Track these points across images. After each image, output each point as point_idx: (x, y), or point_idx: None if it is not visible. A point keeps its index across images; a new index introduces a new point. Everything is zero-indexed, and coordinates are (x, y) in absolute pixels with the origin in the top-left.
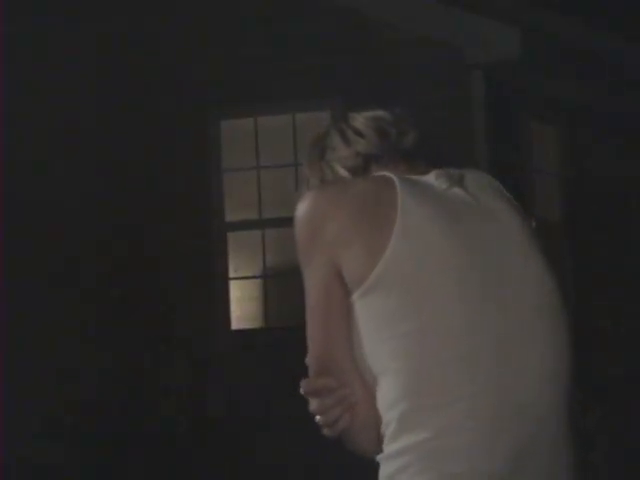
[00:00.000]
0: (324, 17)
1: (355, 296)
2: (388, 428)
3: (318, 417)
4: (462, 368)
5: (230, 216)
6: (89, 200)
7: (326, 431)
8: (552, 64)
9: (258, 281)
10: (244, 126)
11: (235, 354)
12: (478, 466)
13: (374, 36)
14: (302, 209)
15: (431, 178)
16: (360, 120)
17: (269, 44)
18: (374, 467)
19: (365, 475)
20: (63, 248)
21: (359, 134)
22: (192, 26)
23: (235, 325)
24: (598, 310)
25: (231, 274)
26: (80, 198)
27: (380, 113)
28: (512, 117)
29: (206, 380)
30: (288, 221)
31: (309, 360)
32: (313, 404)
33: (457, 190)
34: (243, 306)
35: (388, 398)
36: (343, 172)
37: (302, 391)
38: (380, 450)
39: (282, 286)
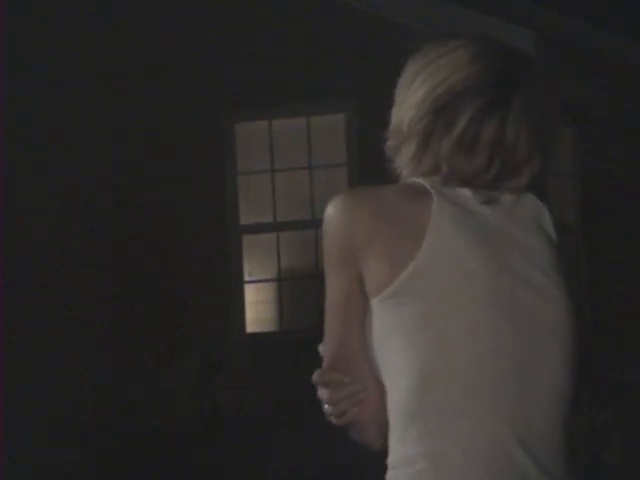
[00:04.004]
0: (343, 20)
1: (374, 301)
2: (396, 430)
3: (326, 406)
4: (477, 381)
5: (245, 219)
6: (105, 203)
7: (332, 420)
8: (566, 66)
9: (273, 284)
10: (258, 129)
11: (249, 357)
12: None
13: (392, 38)
14: (332, 211)
15: (467, 192)
16: None
17: (284, 47)
18: (383, 469)
19: (375, 477)
20: (78, 250)
21: None
22: (207, 29)
23: (250, 328)
24: (613, 310)
25: (246, 277)
26: (96, 200)
27: None
28: None
29: (221, 383)
30: (303, 224)
31: (323, 352)
32: (323, 393)
33: (488, 208)
34: (257, 309)
35: (400, 401)
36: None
37: (313, 380)
38: (383, 445)
39: (296, 289)
